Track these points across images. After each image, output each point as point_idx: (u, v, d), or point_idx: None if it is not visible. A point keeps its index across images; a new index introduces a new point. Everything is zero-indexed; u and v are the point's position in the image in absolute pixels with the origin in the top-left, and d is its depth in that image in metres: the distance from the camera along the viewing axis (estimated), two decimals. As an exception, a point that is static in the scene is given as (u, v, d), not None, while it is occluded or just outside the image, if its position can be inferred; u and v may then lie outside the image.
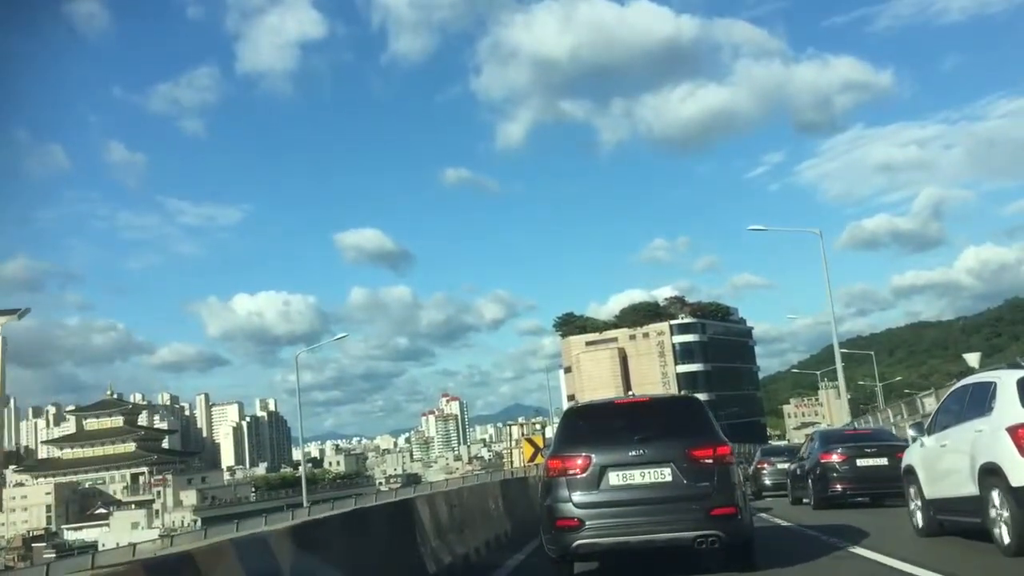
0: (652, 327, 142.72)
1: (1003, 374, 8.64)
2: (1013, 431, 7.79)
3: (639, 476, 8.13)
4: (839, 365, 39.33)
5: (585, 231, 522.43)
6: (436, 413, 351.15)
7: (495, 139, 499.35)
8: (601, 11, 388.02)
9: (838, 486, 17.24)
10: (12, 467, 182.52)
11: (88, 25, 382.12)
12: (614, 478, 8.16)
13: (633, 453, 8.17)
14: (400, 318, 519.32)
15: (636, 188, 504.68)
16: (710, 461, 8.13)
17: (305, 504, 51.45)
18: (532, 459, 34.10)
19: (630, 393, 10.18)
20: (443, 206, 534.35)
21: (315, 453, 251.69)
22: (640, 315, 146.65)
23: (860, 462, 17.20)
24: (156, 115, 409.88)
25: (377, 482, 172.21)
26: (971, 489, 8.55)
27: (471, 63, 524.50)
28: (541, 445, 34.10)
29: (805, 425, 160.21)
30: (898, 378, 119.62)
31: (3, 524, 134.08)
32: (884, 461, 16.52)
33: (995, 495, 8.07)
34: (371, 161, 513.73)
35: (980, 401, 8.80)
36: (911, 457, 10.82)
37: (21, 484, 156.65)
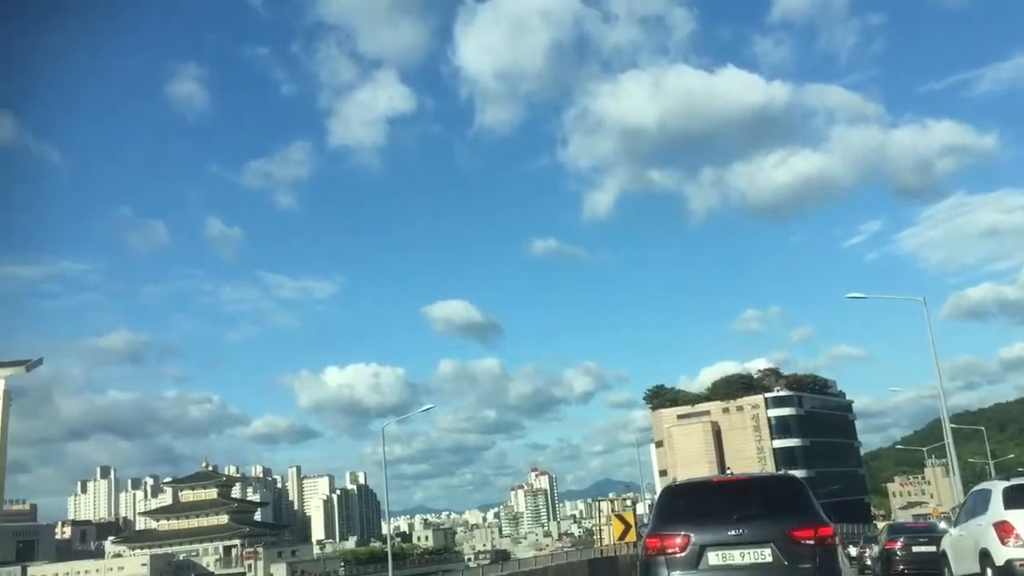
0: (746, 400, 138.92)
1: (996, 484, 12.23)
2: (997, 526, 11.36)
3: (739, 556, 7.92)
4: (949, 441, 37.21)
5: (675, 301, 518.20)
6: (525, 488, 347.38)
7: (582, 209, 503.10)
8: (689, 80, 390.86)
9: (900, 567, 22.67)
10: (111, 538, 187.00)
11: (187, 105, 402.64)
12: (713, 558, 7.96)
13: (733, 532, 7.95)
14: (488, 390, 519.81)
15: (728, 257, 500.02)
16: (812, 542, 7.92)
17: (391, 580, 50.74)
18: (622, 537, 32.97)
19: (727, 471, 9.89)
20: (531, 277, 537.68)
21: (404, 527, 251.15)
22: (733, 388, 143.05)
23: (915, 548, 22.49)
24: (251, 190, 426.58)
25: (466, 558, 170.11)
26: (976, 568, 12.05)
27: (558, 133, 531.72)
28: (632, 522, 33.02)
29: (911, 504, 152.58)
30: (1010, 455, 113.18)
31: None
32: (933, 548, 19.88)
33: (989, 572, 11.57)
34: (459, 233, 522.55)
35: (983, 502, 12.23)
36: (945, 544, 14.45)
37: (119, 555, 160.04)
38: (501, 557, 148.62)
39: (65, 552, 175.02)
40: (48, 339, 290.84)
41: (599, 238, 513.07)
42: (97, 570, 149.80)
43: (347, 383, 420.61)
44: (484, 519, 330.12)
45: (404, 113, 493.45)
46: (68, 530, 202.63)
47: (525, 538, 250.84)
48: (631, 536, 32.03)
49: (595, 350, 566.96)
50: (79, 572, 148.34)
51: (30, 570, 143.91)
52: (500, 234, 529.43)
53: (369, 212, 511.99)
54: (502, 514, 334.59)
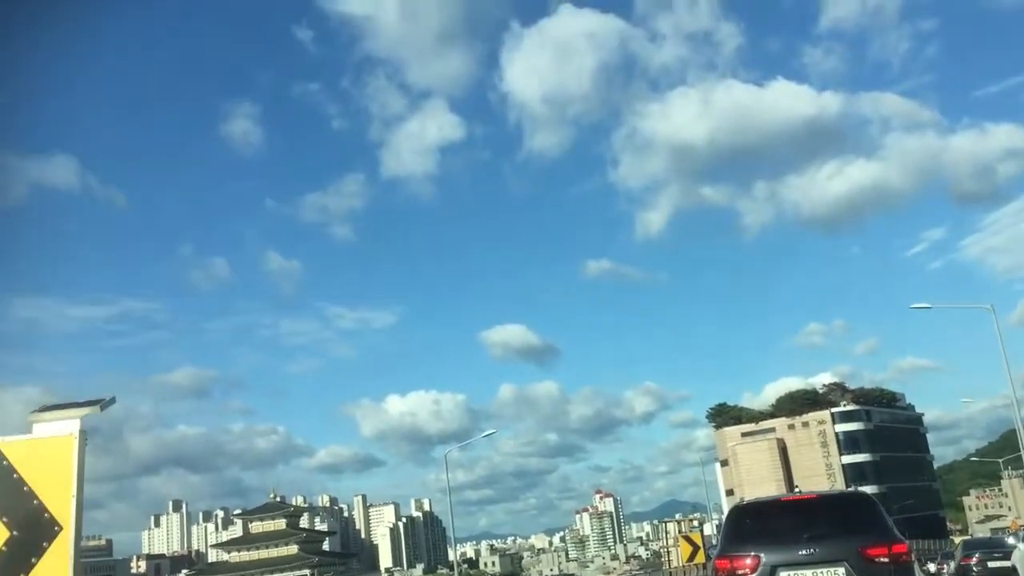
0: (812, 416, 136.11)
1: None
2: None
3: None
4: (1026, 451, 35.97)
5: (734, 318, 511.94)
6: (590, 510, 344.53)
7: (635, 228, 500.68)
8: (738, 94, 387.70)
9: None
10: (184, 571, 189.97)
11: (243, 142, 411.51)
12: None
13: (804, 552, 7.80)
14: (549, 413, 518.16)
15: (786, 271, 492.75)
16: (886, 560, 7.73)
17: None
18: (691, 558, 32.57)
19: (796, 488, 9.71)
20: (586, 298, 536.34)
21: (470, 553, 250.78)
22: (798, 403, 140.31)
23: (990, 564, 22.93)
24: (308, 223, 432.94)
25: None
26: None
27: (607, 154, 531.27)
28: (700, 543, 32.60)
29: (989, 518, 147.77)
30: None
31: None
32: (1007, 562, 20.80)
33: None
34: (513, 257, 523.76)
35: None
36: (1014, 558, 15.76)
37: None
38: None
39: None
40: (118, 377, 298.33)
41: (653, 257, 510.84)
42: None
43: (408, 411, 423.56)
44: (550, 543, 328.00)
45: (454, 141, 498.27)
46: (143, 564, 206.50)
47: (592, 561, 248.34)
48: (700, 558, 31.63)
49: (655, 370, 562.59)
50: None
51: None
52: (554, 257, 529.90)
53: (424, 240, 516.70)
54: (568, 538, 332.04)
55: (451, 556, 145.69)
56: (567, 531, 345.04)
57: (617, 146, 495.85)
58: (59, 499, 4.63)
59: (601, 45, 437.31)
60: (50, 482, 4.65)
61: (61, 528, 4.60)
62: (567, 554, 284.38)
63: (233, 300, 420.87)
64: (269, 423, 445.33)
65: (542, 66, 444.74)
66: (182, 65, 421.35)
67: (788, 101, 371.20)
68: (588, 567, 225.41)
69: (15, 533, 4.53)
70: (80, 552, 4.79)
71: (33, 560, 4.48)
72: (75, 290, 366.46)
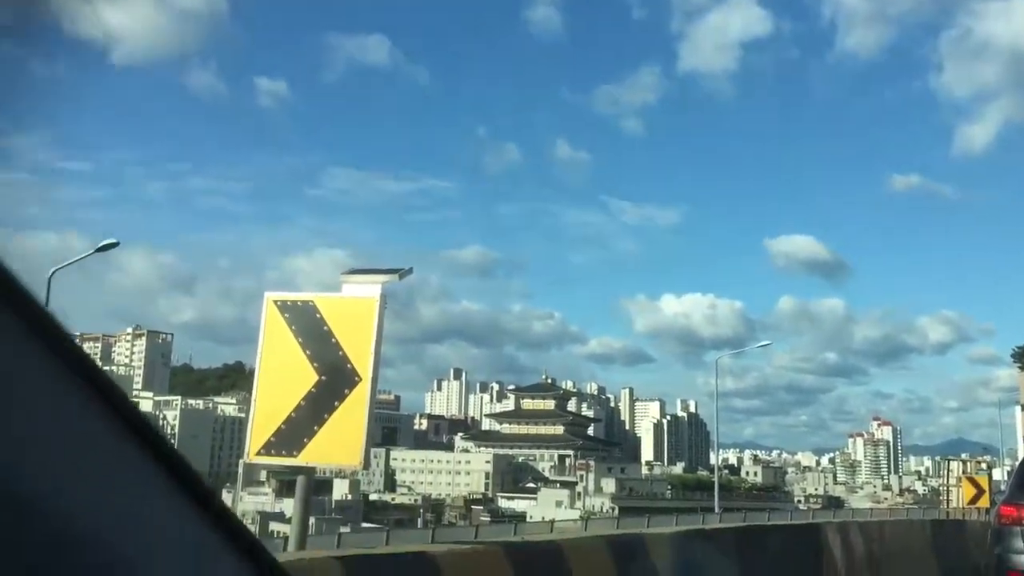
0: None
1: None
2: None
3: None
4: None
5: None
6: (865, 436, 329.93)
7: (953, 143, 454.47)
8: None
9: None
10: (460, 434, 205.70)
11: (542, 28, 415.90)
12: None
13: None
14: (831, 332, 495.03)
15: None
16: None
17: (716, 510, 50.93)
18: (973, 501, 30.54)
19: None
20: (887, 215, 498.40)
21: (732, 460, 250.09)
22: None
23: None
24: (599, 115, 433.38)
25: (796, 499, 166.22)
26: None
27: (931, 58, 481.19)
28: (985, 487, 30.45)
29: None
30: None
31: (450, 484, 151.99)
32: None
33: None
34: (810, 164, 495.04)
35: None
36: None
37: (466, 451, 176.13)
38: (834, 504, 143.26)
39: (421, 441, 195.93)
40: (413, 248, 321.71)
41: (972, 175, 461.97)
42: (447, 461, 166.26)
43: (683, 311, 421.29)
44: (817, 463, 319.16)
45: (759, 37, 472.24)
46: (424, 422, 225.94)
47: (861, 488, 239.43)
48: (983, 501, 29.69)
49: (957, 298, 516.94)
50: (433, 460, 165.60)
51: (393, 452, 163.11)
52: (855, 167, 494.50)
53: (715, 140, 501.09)
54: (837, 460, 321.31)
55: (712, 459, 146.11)
56: (837, 453, 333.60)
57: (944, 49, 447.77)
58: (360, 353, 5.21)
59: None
60: (353, 337, 5.23)
61: (361, 379, 5.18)
62: (835, 476, 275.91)
63: (521, 186, 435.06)
64: (546, 308, 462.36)
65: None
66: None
67: None
68: (856, 492, 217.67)
69: (323, 378, 5.19)
70: (375, 402, 5.39)
71: (336, 403, 5.13)
72: (381, 164, 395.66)
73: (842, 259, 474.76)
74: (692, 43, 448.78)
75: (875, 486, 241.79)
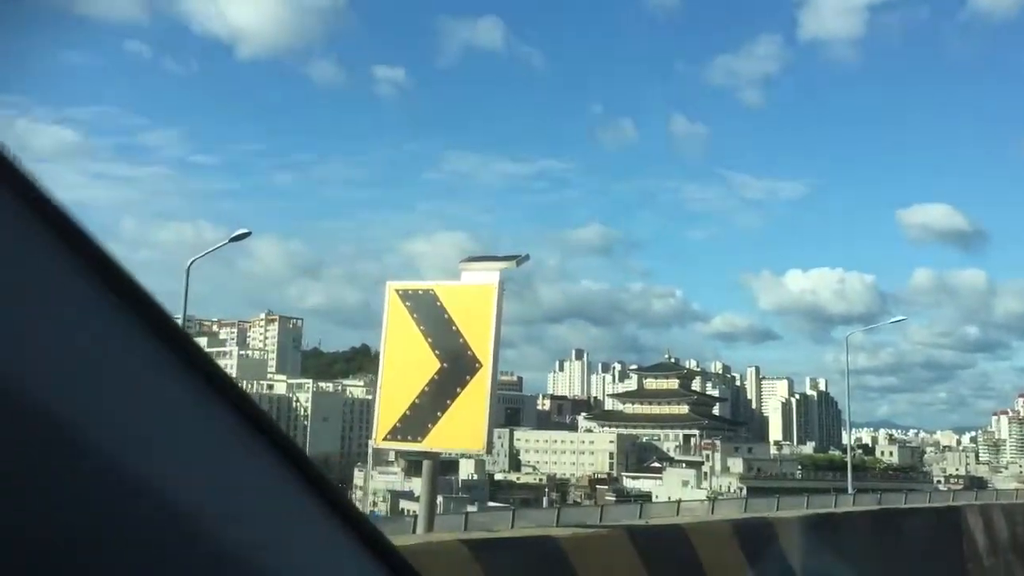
0: None
1: None
2: None
3: None
4: None
5: None
6: (1010, 414, 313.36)
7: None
8: None
9: None
10: (583, 414, 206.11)
11: (655, 2, 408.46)
12: None
13: None
14: (970, 304, 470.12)
15: None
16: None
17: (850, 491, 49.40)
18: None
19: None
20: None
21: (866, 439, 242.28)
22: None
23: None
24: (716, 87, 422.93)
25: (935, 480, 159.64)
26: None
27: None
28: None
29: None
30: None
31: (574, 464, 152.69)
32: None
33: None
34: (942, 129, 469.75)
35: None
36: None
37: (590, 431, 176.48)
38: (976, 484, 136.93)
39: (544, 422, 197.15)
40: (532, 230, 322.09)
41: None
42: (571, 441, 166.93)
43: (810, 287, 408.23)
44: (958, 442, 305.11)
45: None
46: (547, 403, 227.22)
47: (1006, 468, 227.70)
48: None
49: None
50: (557, 440, 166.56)
51: (516, 433, 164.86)
52: (995, 132, 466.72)
53: (842, 108, 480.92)
54: (980, 439, 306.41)
55: (845, 439, 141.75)
56: (980, 432, 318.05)
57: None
58: (480, 339, 5.30)
59: None
60: (473, 324, 5.33)
61: (481, 365, 5.27)
62: (977, 456, 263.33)
63: (639, 162, 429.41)
64: (667, 285, 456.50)
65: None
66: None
67: None
68: (1001, 472, 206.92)
69: (445, 365, 5.31)
70: (496, 386, 5.47)
71: (458, 390, 5.24)
72: (498, 148, 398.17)
73: (981, 227, 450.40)
74: (814, 9, 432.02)
75: (1021, 466, 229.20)
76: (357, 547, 0.84)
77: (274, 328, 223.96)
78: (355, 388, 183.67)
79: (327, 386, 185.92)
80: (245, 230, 32.66)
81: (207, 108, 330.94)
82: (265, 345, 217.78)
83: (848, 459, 66.59)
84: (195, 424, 0.68)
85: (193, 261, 30.42)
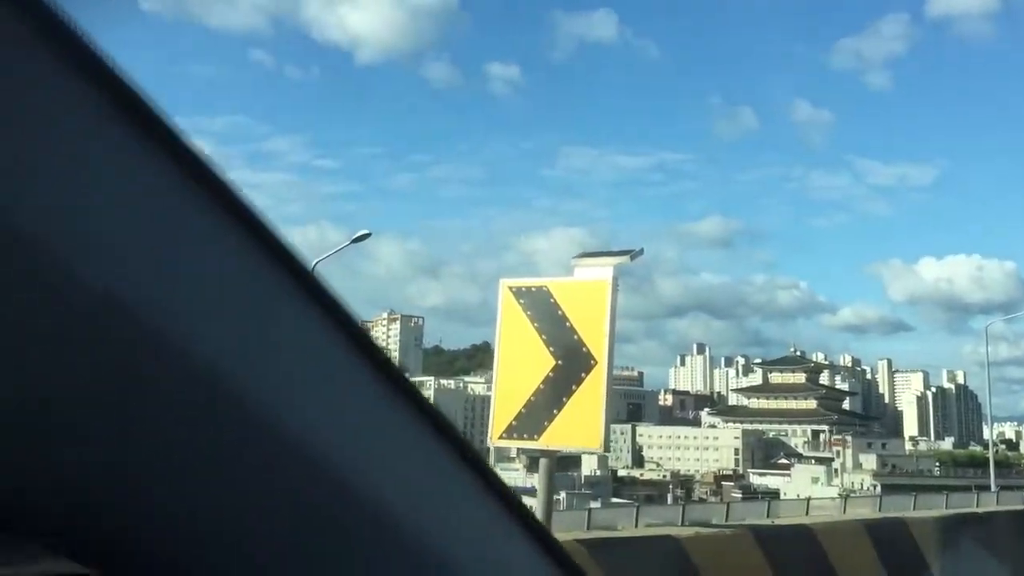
0: None
1: None
2: None
3: None
4: None
5: None
6: None
7: None
8: None
9: None
10: (706, 409, 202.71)
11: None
12: None
13: None
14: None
15: None
16: None
17: (993, 489, 46.90)
18: None
19: None
20: None
21: (1009, 434, 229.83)
22: None
23: None
24: (840, 71, 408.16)
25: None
26: None
27: None
28: None
29: None
30: None
31: (698, 460, 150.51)
32: None
33: None
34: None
35: None
36: None
37: (713, 426, 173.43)
38: None
39: (666, 417, 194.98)
40: (650, 223, 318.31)
41: None
42: (695, 436, 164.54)
43: (945, 275, 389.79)
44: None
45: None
46: (669, 398, 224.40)
47: None
48: None
49: None
50: (680, 436, 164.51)
51: (639, 429, 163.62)
52: None
53: (977, 87, 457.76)
54: None
55: (986, 434, 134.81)
56: None
57: None
58: (595, 336, 5.24)
59: None
60: (587, 320, 5.27)
61: (596, 362, 5.21)
62: None
63: (759, 151, 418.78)
64: (791, 277, 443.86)
65: None
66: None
67: None
68: None
69: (560, 362, 5.27)
70: (611, 383, 5.40)
71: (573, 387, 5.20)
72: (612, 141, 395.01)
73: None
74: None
75: None
76: (527, 540, 0.87)
77: (396, 327, 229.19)
78: (476, 385, 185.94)
79: (449, 383, 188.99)
80: (366, 231, 33.58)
81: (329, 113, 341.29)
82: (388, 344, 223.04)
83: (990, 455, 63.39)
84: (385, 417, 0.74)
85: (317, 262, 31.43)
